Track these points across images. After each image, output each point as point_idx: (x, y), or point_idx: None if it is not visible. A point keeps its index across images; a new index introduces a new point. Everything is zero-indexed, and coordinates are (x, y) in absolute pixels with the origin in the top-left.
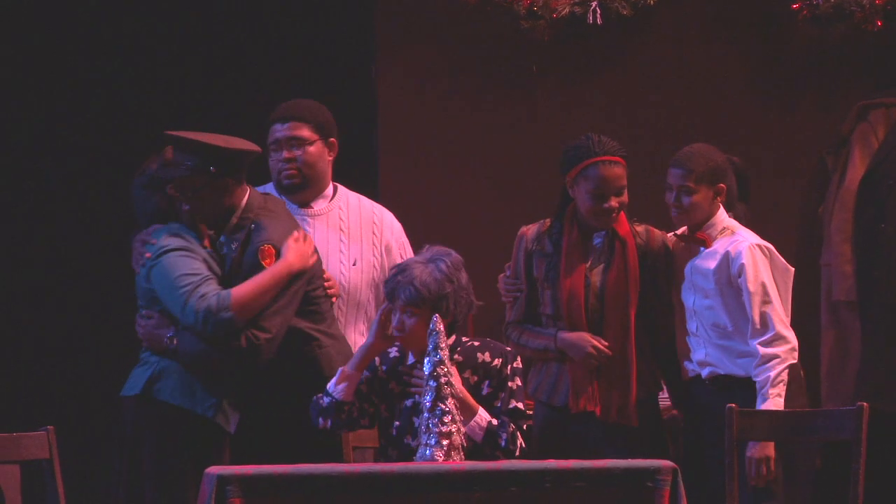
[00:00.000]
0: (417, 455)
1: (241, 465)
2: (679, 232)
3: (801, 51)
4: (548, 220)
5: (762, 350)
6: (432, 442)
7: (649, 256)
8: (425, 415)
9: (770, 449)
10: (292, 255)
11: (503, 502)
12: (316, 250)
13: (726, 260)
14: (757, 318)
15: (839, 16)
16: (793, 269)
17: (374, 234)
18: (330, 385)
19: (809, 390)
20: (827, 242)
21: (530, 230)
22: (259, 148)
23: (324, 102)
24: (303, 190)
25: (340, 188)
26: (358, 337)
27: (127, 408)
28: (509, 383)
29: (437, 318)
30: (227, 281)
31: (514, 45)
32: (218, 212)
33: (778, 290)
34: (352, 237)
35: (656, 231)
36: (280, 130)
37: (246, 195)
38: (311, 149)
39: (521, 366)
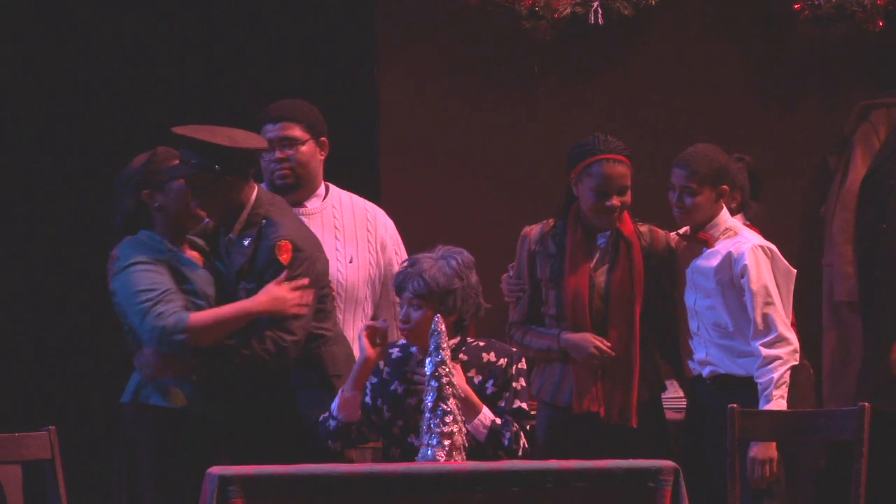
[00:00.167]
0: (419, 455)
1: (244, 464)
2: (681, 231)
3: (802, 51)
4: (551, 221)
5: (764, 352)
6: (434, 442)
7: (653, 257)
8: (427, 415)
9: (773, 450)
10: (266, 298)
11: (505, 502)
12: (321, 247)
13: (728, 260)
14: (759, 320)
15: (840, 16)
16: (795, 270)
17: (368, 231)
18: (333, 408)
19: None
20: (828, 243)
21: (533, 230)
22: (265, 144)
23: (325, 102)
24: (296, 190)
25: (332, 187)
26: (356, 334)
27: (124, 414)
28: (514, 383)
29: (438, 318)
30: (237, 277)
31: (516, 45)
32: (225, 209)
33: (780, 291)
34: (346, 235)
35: (660, 231)
36: (272, 130)
37: (254, 192)
38: (304, 148)
39: (525, 367)
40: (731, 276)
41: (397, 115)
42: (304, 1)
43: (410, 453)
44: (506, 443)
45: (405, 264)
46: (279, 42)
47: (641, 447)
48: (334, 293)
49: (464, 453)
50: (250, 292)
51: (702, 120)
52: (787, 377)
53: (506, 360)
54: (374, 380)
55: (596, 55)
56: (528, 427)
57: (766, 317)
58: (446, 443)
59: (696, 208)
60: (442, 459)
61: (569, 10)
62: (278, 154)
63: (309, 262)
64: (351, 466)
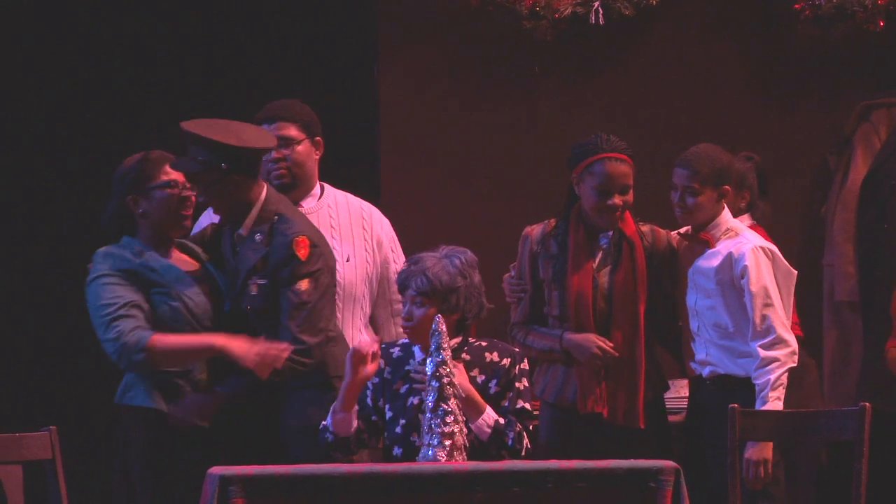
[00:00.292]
0: (420, 455)
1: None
2: (682, 231)
3: (803, 51)
4: (552, 221)
5: (762, 353)
6: (435, 442)
7: (655, 257)
8: (428, 415)
9: (768, 451)
10: (238, 346)
11: (505, 502)
12: (328, 244)
13: (729, 260)
14: (758, 321)
15: (841, 16)
16: (796, 272)
17: (364, 229)
18: (328, 422)
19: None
20: (829, 243)
21: (535, 231)
22: (274, 142)
23: (325, 102)
24: (292, 189)
25: (327, 186)
26: (355, 332)
27: (118, 415)
28: (517, 384)
29: (439, 318)
30: (248, 272)
31: (516, 45)
32: (231, 207)
33: (780, 292)
34: (343, 234)
35: (661, 231)
36: (267, 131)
37: (264, 190)
38: (300, 148)
39: (528, 367)
40: (732, 277)
41: (397, 115)
42: (304, 1)
43: (413, 453)
44: (509, 443)
45: (408, 262)
46: (279, 42)
47: (645, 447)
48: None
49: (465, 453)
50: (262, 288)
51: (702, 120)
52: (784, 379)
53: (509, 359)
54: (376, 379)
55: (596, 55)
56: (530, 427)
57: (765, 318)
58: (447, 443)
59: (698, 208)
60: (443, 459)
61: (569, 10)
62: (274, 154)
63: (324, 258)
64: (351, 466)
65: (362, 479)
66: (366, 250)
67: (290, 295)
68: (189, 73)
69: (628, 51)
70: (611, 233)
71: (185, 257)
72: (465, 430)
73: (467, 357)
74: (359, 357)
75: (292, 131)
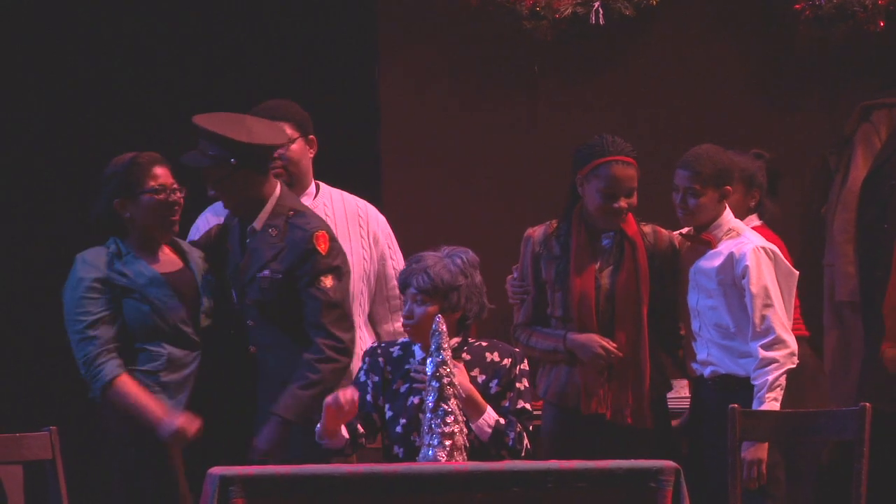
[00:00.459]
0: (420, 455)
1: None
2: (684, 231)
3: (803, 51)
4: (554, 222)
5: (762, 353)
6: (435, 442)
7: (657, 257)
8: (428, 415)
9: (762, 451)
10: (186, 420)
11: (505, 503)
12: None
13: (730, 261)
14: (758, 321)
15: (841, 16)
16: (797, 272)
17: (360, 226)
18: (318, 434)
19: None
20: (830, 243)
21: (537, 232)
22: (285, 138)
23: (325, 102)
24: (288, 188)
25: (322, 185)
26: (355, 330)
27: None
28: (517, 384)
29: (439, 318)
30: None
31: (516, 45)
32: (241, 202)
33: (781, 293)
34: (339, 232)
35: (663, 231)
36: None
37: (277, 186)
38: (295, 146)
39: (528, 367)
40: (733, 277)
41: (398, 115)
42: (304, 1)
43: (413, 453)
44: (510, 443)
45: (410, 261)
46: (279, 42)
47: (648, 448)
48: None
49: (465, 453)
50: (274, 282)
51: (702, 120)
52: (782, 380)
53: (509, 360)
54: (377, 378)
55: (596, 55)
56: (530, 427)
57: (764, 318)
58: (447, 443)
59: (700, 209)
60: (443, 460)
61: (570, 10)
62: None
63: (343, 254)
64: (351, 466)
65: (362, 479)
66: (363, 247)
67: (316, 293)
68: (189, 73)
69: (628, 51)
70: (613, 233)
71: (173, 257)
72: (465, 430)
73: (468, 357)
74: (335, 414)
75: (287, 130)
